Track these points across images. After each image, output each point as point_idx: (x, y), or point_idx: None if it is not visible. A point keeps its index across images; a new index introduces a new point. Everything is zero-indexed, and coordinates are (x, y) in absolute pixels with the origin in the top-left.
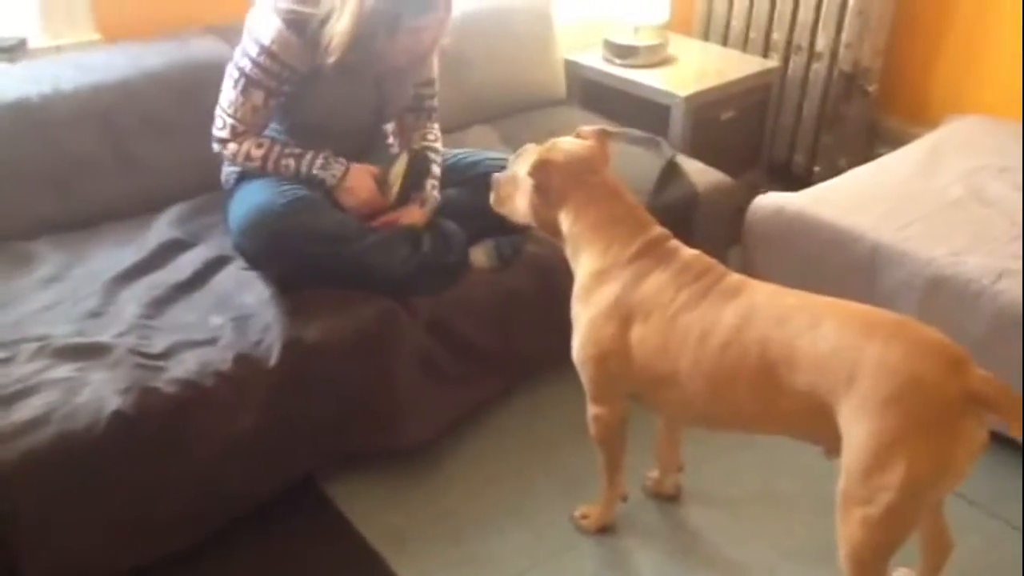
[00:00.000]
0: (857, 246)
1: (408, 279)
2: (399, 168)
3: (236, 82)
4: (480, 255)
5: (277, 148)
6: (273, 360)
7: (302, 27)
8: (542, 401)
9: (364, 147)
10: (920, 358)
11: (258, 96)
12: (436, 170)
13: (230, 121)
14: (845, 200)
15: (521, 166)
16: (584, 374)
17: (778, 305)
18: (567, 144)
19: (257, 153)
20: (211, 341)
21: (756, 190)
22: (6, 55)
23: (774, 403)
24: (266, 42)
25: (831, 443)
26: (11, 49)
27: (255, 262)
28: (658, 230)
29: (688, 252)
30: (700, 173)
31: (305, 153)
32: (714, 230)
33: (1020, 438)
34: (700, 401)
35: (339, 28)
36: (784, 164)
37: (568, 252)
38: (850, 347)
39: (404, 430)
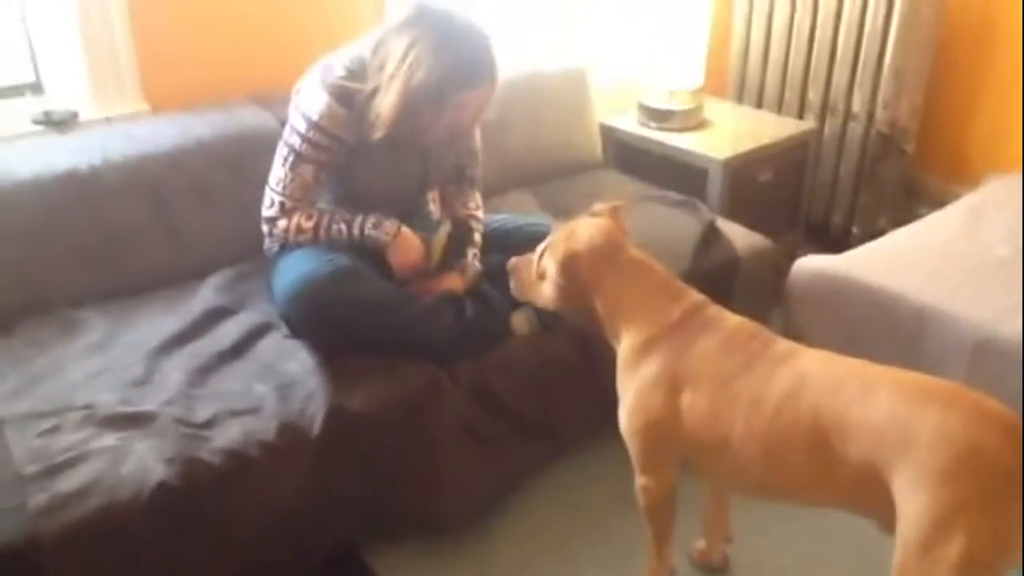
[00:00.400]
0: (902, 308)
1: (451, 346)
2: (440, 237)
3: (285, 159)
4: (521, 321)
5: (327, 217)
6: (317, 429)
7: (350, 101)
8: (587, 470)
9: (407, 216)
10: (978, 427)
11: (308, 171)
12: (477, 238)
13: (279, 199)
14: (888, 261)
15: (546, 259)
16: (632, 445)
17: (830, 372)
18: (586, 228)
19: (308, 224)
20: (255, 410)
21: (795, 252)
22: (58, 127)
23: (827, 472)
24: (315, 117)
25: (886, 517)
26: (63, 122)
27: (299, 331)
28: (696, 296)
29: (733, 318)
30: (739, 236)
31: (355, 217)
32: (755, 293)
33: None
34: (754, 469)
35: (386, 103)
36: (822, 224)
37: (607, 331)
38: (905, 416)
39: (447, 500)
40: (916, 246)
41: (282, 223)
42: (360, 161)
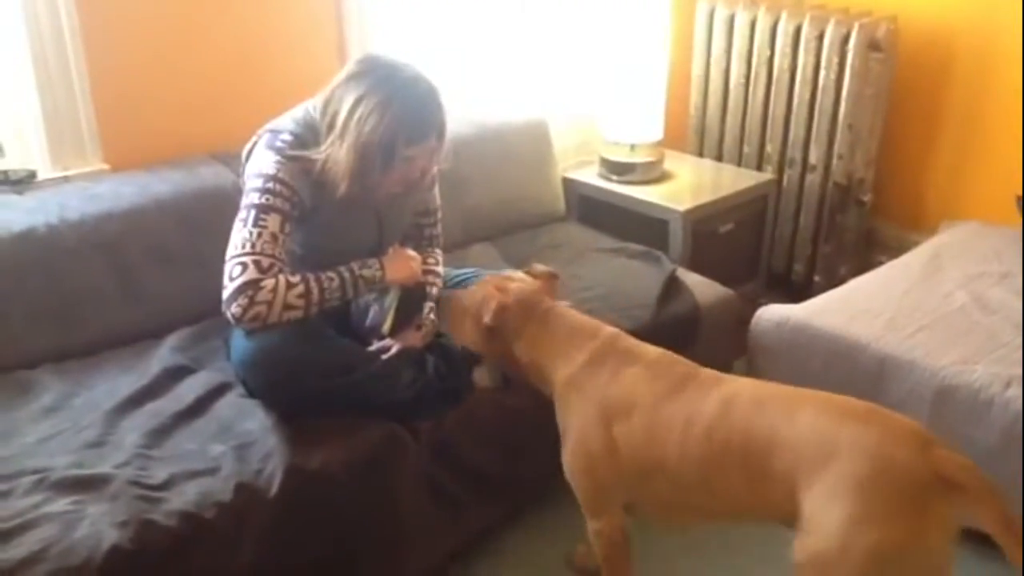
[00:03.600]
0: (863, 356)
1: (412, 404)
2: (390, 301)
3: (246, 221)
4: (483, 374)
5: (311, 277)
6: (275, 489)
7: (301, 166)
8: (551, 523)
9: None
10: (891, 441)
11: (274, 221)
12: (435, 293)
13: (251, 259)
14: (848, 310)
15: (474, 301)
16: (579, 488)
17: (756, 393)
18: (518, 284)
19: (296, 280)
20: (212, 471)
21: (757, 301)
22: (15, 187)
23: (761, 487)
24: (271, 171)
25: None
26: (20, 181)
27: (258, 395)
28: (610, 329)
29: (653, 348)
30: (701, 286)
31: (339, 268)
32: (717, 342)
33: (989, 519)
34: (691, 491)
35: (340, 161)
36: (784, 274)
37: (533, 377)
38: (825, 432)
39: (410, 558)
40: (876, 294)
41: (268, 283)
42: (313, 223)
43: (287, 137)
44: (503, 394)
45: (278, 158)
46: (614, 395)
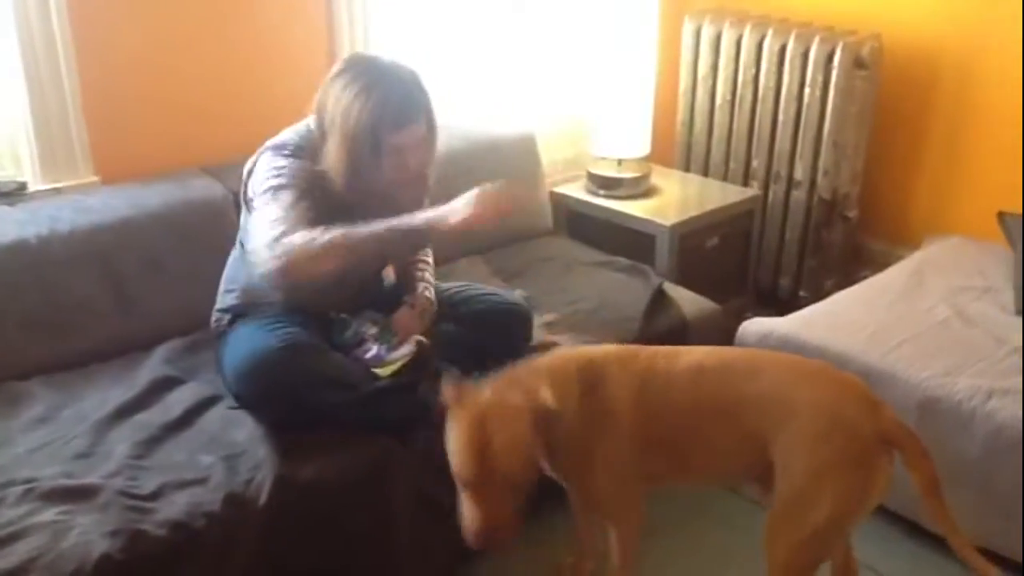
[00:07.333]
0: (847, 368)
1: (405, 422)
2: (406, 352)
3: (266, 203)
4: None
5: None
6: (263, 499)
7: (314, 174)
8: (548, 529)
9: (367, 295)
10: (842, 399)
11: (290, 196)
12: (429, 276)
13: (277, 229)
14: (832, 323)
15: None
16: (610, 498)
17: (720, 359)
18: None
19: (326, 238)
20: (201, 481)
21: (743, 315)
22: (6, 199)
23: (737, 445)
24: (280, 164)
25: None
26: (11, 193)
27: (250, 406)
28: (577, 353)
29: (609, 348)
30: (688, 301)
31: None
32: None
33: (920, 477)
34: (689, 455)
35: (332, 153)
36: (770, 289)
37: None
38: (784, 391)
39: (404, 573)
40: (860, 308)
41: (297, 237)
42: None
43: (291, 147)
44: None
45: (286, 159)
46: (613, 406)
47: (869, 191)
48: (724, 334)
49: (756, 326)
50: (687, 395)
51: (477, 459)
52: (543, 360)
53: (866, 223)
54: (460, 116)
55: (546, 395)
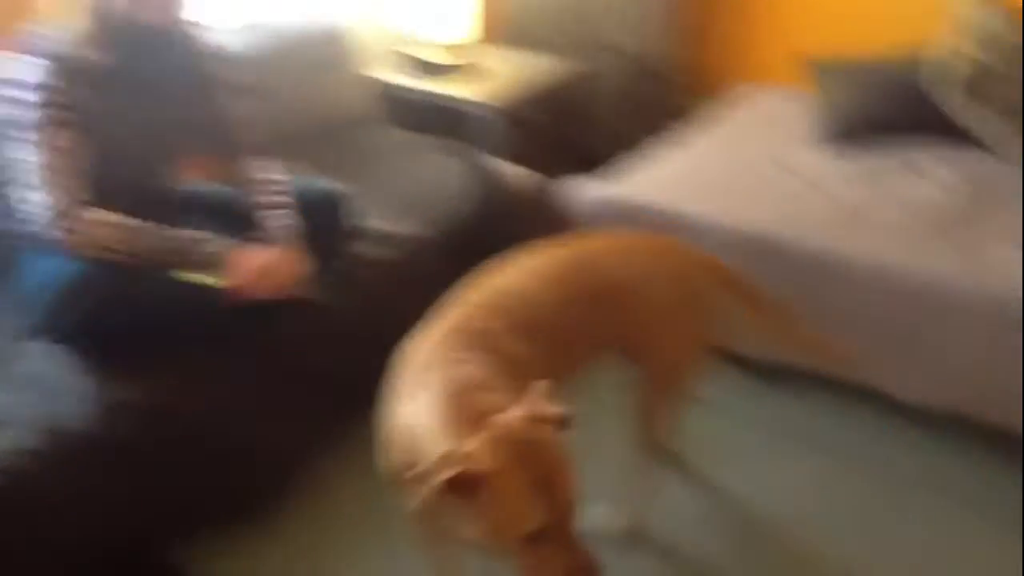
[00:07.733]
0: (679, 224)
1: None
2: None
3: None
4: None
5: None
6: (89, 429)
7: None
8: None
9: (153, 193)
10: (691, 268)
11: (58, 137)
12: (275, 200)
13: (54, 199)
14: (671, 184)
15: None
16: None
17: (599, 247)
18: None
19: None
20: (19, 420)
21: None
22: None
23: (620, 323)
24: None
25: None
26: None
27: (67, 339)
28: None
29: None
30: (517, 177)
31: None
32: (535, 231)
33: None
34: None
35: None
36: (599, 159)
37: None
38: (647, 269)
39: (249, 478)
40: (693, 166)
41: (85, 216)
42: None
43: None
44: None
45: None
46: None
47: (676, 45)
48: (557, 206)
49: (594, 193)
50: (575, 284)
51: (541, 497)
52: (454, 372)
53: (675, 77)
54: (274, 8)
55: (546, 395)
